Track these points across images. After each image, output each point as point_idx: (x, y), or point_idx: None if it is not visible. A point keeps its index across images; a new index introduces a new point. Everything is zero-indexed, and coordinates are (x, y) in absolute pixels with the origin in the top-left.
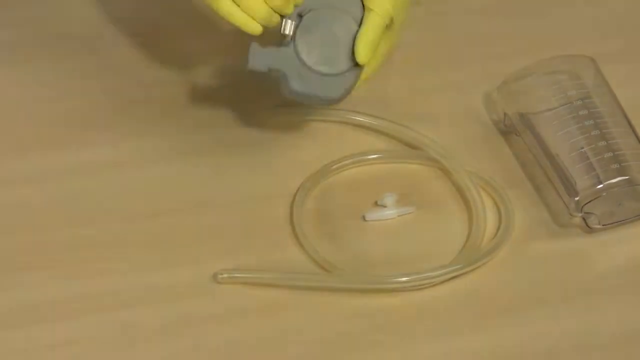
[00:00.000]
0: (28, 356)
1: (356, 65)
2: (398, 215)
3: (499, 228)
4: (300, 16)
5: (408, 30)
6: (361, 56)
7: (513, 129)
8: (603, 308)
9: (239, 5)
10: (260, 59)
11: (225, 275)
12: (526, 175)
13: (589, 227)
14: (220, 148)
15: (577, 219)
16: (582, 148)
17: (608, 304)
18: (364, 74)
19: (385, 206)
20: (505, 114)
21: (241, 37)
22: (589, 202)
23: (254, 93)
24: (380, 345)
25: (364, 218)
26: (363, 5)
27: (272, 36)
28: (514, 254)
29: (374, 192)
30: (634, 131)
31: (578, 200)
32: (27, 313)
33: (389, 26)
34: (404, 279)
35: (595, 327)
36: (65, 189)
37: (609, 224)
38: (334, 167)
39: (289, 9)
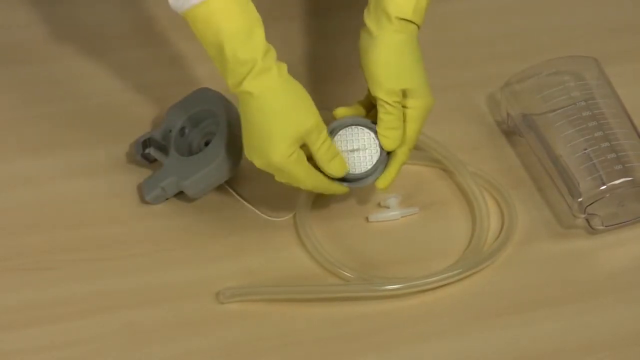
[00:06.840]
0: (29, 356)
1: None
2: (401, 217)
3: (502, 228)
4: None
5: None
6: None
7: (516, 130)
8: (607, 308)
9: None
10: None
11: (227, 295)
12: (529, 176)
13: (592, 228)
14: None
15: (581, 220)
16: (586, 149)
17: (612, 305)
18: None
19: (388, 207)
20: (508, 115)
21: None
22: (592, 203)
23: None
24: (384, 347)
25: (367, 219)
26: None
27: None
28: (517, 255)
29: (377, 194)
30: (637, 132)
31: (581, 201)
32: (27, 314)
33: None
34: (398, 285)
35: (599, 327)
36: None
37: (612, 225)
38: None
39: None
